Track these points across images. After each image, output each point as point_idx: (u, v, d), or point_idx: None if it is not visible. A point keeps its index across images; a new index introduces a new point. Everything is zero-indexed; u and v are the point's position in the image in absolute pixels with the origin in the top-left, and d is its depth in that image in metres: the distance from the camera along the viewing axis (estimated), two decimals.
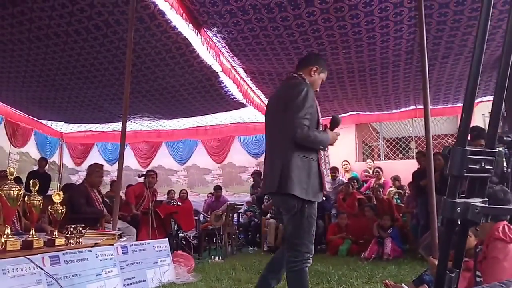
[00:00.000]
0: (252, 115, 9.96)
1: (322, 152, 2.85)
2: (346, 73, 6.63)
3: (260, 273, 4.82)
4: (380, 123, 10.33)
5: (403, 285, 3.51)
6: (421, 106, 8.45)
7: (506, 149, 4.11)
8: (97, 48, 5.78)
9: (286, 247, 2.86)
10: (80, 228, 3.74)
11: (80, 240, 3.73)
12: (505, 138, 4.03)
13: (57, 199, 3.67)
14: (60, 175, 12.26)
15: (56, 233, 3.58)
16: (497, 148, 0.98)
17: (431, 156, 4.34)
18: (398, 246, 6.17)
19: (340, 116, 3.43)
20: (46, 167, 9.76)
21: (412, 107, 8.87)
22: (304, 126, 2.68)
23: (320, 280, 4.36)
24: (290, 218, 2.78)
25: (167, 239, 5.18)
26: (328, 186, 2.89)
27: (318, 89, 3.12)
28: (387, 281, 3.89)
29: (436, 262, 2.96)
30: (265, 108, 9.08)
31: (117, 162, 5.10)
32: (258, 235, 8.31)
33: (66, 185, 7.54)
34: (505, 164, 4.16)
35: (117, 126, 10.28)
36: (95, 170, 5.80)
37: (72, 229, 3.68)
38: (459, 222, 0.92)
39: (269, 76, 7.01)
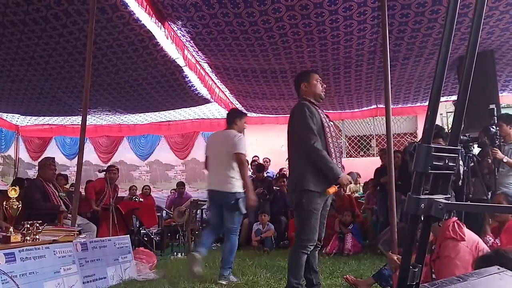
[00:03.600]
0: (217, 111, 9.91)
1: (333, 148, 3.19)
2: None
3: None
4: (342, 121, 10.53)
5: None
6: (382, 105, 8.68)
7: (462, 148, 4.27)
8: (56, 38, 5.57)
9: None
10: (37, 225, 3.61)
11: (37, 236, 3.60)
12: (461, 137, 4.20)
13: (12, 194, 3.53)
14: (16, 169, 11.78)
15: (11, 229, 3.44)
16: None
17: (392, 154, 4.45)
18: (358, 242, 6.30)
19: None
20: (1, 161, 9.34)
21: (374, 106, 9.08)
22: (315, 142, 3.10)
23: (283, 275, 4.39)
24: (294, 210, 3.31)
25: (128, 235, 5.08)
26: None
27: (323, 92, 3.42)
28: (347, 276, 3.97)
29: (395, 257, 3.04)
30: (230, 104, 9.06)
31: (77, 157, 4.94)
32: None
33: (18, 179, 7.26)
34: (461, 162, 4.33)
35: (77, 119, 9.98)
36: (47, 163, 5.60)
37: (28, 225, 3.54)
38: (422, 218, 0.93)
39: (234, 72, 6.98)
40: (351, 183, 3.04)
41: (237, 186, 4.29)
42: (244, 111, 9.46)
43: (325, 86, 3.48)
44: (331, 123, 3.38)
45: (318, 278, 3.36)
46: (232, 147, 4.26)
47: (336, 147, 3.25)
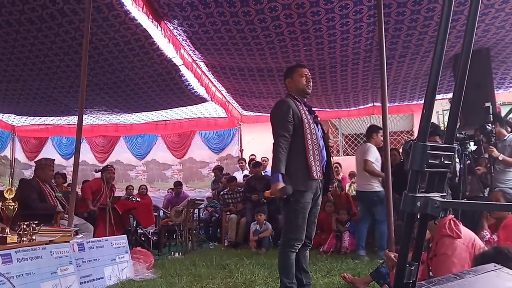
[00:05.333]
0: (213, 110, 9.89)
1: (311, 145, 3.15)
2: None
3: (220, 268, 4.85)
4: (339, 119, 10.54)
5: None
6: (378, 104, 8.69)
7: (458, 146, 4.29)
8: (52, 38, 5.55)
9: None
10: (34, 225, 3.59)
11: (34, 237, 3.59)
12: (458, 135, 4.21)
13: (8, 195, 3.51)
14: (12, 170, 11.75)
15: (8, 230, 3.43)
16: None
17: (388, 152, 4.46)
18: (355, 240, 6.30)
19: None
20: None
21: (370, 104, 9.09)
22: (280, 138, 3.12)
23: None
24: (281, 207, 3.29)
25: (125, 235, 5.07)
26: None
27: (308, 87, 3.35)
28: (345, 274, 3.98)
29: (392, 255, 3.05)
30: (227, 103, 9.01)
31: (73, 157, 4.93)
32: (219, 230, 8.28)
33: (22, 180, 7.22)
34: (457, 160, 4.34)
35: (73, 119, 9.94)
36: (47, 164, 5.58)
37: (25, 226, 3.53)
38: (418, 216, 0.93)
39: (230, 71, 6.97)
40: (275, 196, 3.07)
41: (376, 186, 5.40)
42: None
43: (310, 81, 3.40)
44: (318, 119, 3.36)
45: (308, 278, 3.33)
46: (362, 155, 5.53)
47: (315, 144, 3.18)
